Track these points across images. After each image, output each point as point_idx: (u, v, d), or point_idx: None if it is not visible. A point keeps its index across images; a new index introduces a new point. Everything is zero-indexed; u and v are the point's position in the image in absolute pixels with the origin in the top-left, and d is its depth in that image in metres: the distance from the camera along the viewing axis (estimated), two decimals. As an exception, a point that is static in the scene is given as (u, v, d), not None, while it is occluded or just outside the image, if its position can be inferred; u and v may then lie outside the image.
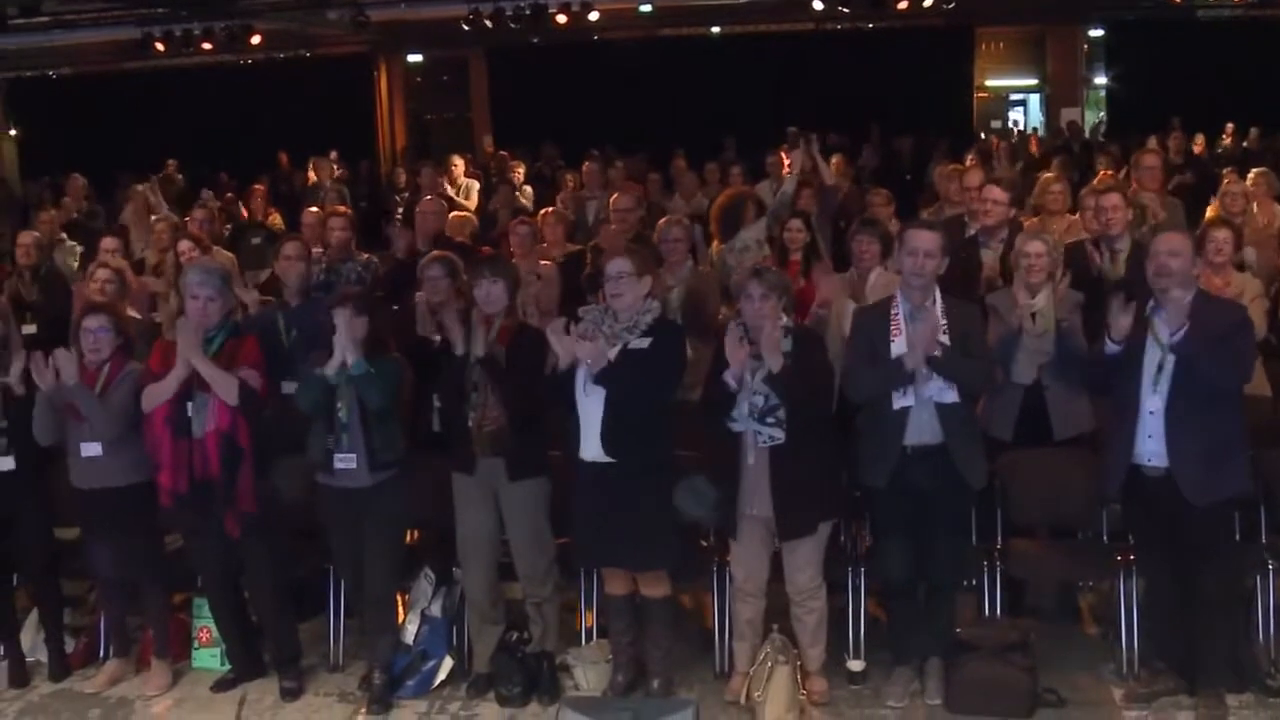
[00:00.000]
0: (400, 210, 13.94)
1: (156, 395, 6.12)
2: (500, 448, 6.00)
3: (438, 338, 6.29)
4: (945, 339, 5.76)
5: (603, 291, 6.00)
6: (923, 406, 5.80)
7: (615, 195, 9.30)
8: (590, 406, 5.81)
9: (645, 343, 5.83)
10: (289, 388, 6.32)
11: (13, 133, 23.19)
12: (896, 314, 5.90)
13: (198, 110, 20.23)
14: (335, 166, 15.99)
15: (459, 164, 14.21)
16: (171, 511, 6.23)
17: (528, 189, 13.88)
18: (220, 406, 6.04)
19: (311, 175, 15.23)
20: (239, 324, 6.43)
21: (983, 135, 19.19)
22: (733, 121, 17.49)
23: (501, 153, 16.96)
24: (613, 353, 5.79)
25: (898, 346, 5.80)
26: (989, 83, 22.62)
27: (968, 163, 11.95)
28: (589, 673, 6.29)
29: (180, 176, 16.05)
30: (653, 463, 5.83)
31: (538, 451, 6.13)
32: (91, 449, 6.28)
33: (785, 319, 5.86)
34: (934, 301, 5.86)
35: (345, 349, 5.94)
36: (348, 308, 6.01)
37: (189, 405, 6.07)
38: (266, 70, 21.31)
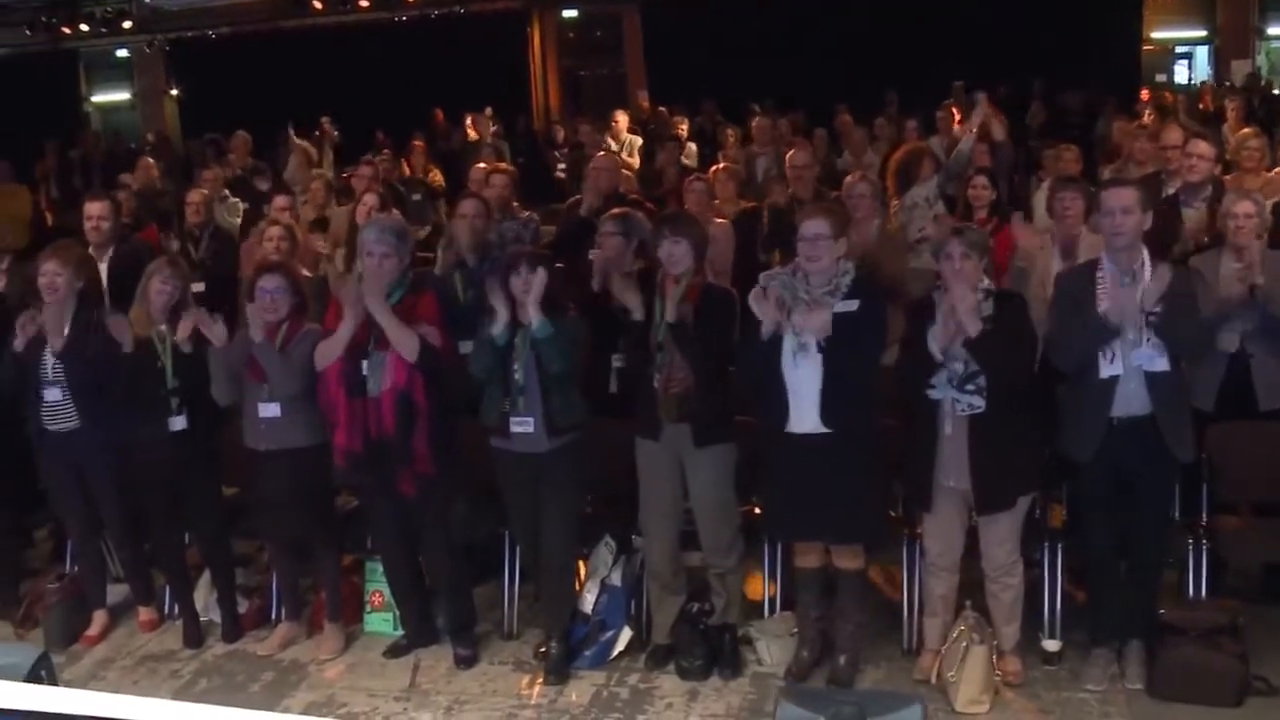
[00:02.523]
0: (560, 167, 13.83)
1: (329, 351, 5.99)
2: (687, 413, 5.76)
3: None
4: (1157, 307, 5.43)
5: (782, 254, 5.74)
6: (1131, 375, 5.46)
7: (791, 152, 8.99)
8: (801, 377, 5.50)
9: (853, 306, 5.51)
10: (466, 348, 6.14)
11: (174, 92, 23.56)
12: (1103, 276, 5.56)
13: (353, 68, 20.26)
14: (492, 123, 15.87)
15: (621, 120, 14.01)
16: (347, 472, 6.13)
17: (692, 146, 13.63)
18: (397, 364, 5.88)
19: (471, 132, 15.15)
20: (418, 279, 6.26)
21: (1146, 89, 18.45)
22: (894, 75, 17.02)
23: (660, 109, 16.72)
24: (819, 317, 5.52)
25: (1105, 310, 5.47)
26: (1155, 35, 21.78)
27: (1147, 118, 11.50)
28: (772, 646, 6.06)
29: (336, 134, 16.04)
30: (863, 432, 5.55)
31: (725, 417, 5.88)
32: (270, 409, 6.19)
33: (986, 280, 5.55)
34: (1143, 264, 5.51)
35: (526, 309, 5.76)
36: (525, 266, 5.83)
37: (364, 364, 5.93)
38: (421, 27, 21.30)
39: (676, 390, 5.74)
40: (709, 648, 6.03)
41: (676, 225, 5.94)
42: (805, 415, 5.53)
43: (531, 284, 5.75)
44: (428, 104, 18.10)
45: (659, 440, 5.86)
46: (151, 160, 13.19)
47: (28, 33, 21.75)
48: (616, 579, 6.27)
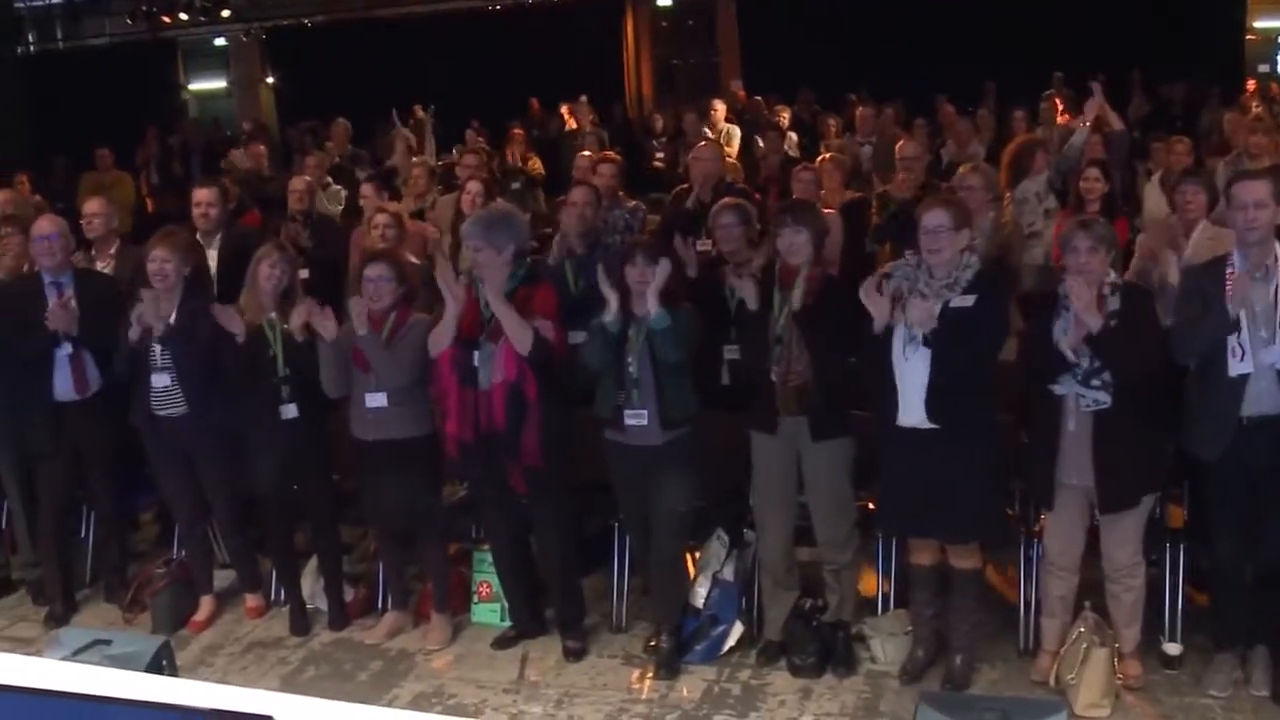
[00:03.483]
0: (659, 156, 13.76)
1: (440, 338, 5.96)
2: (805, 406, 5.66)
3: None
4: None
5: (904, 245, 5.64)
6: (1262, 374, 5.28)
7: (901, 142, 8.85)
8: (911, 370, 5.38)
9: (969, 300, 5.38)
10: (577, 338, 6.08)
11: (269, 80, 23.73)
12: (1232, 272, 5.39)
13: (447, 57, 20.29)
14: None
15: (719, 109, 13.91)
16: (457, 461, 6.08)
17: (792, 135, 13.50)
18: (509, 357, 5.83)
19: (570, 121, 15.09)
20: (534, 271, 6.20)
21: (1251, 79, 18.03)
22: (990, 65, 16.77)
23: (756, 98, 16.60)
24: (935, 310, 5.39)
25: (1234, 308, 5.30)
26: (1257, 24, 21.29)
27: (1254, 109, 11.25)
28: (887, 645, 5.95)
29: (433, 122, 16.06)
30: (976, 428, 5.41)
31: (843, 410, 5.78)
32: (377, 400, 6.17)
33: (1113, 274, 5.41)
34: (1275, 259, 5.34)
35: (644, 300, 5.69)
36: (643, 257, 5.75)
37: (475, 355, 5.88)
38: (515, 16, 21.29)
39: (796, 383, 5.64)
40: (822, 644, 5.93)
41: (799, 214, 5.85)
42: (913, 409, 5.42)
43: (651, 275, 5.68)
44: (522, 93, 18.07)
45: (775, 434, 5.76)
46: (262, 147, 13.25)
47: (129, 22, 21.99)
48: (728, 573, 6.18)
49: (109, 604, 7.13)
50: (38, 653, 6.29)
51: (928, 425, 5.38)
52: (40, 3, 22.54)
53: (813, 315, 5.64)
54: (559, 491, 6.09)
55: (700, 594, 6.17)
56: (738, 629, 6.14)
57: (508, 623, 6.50)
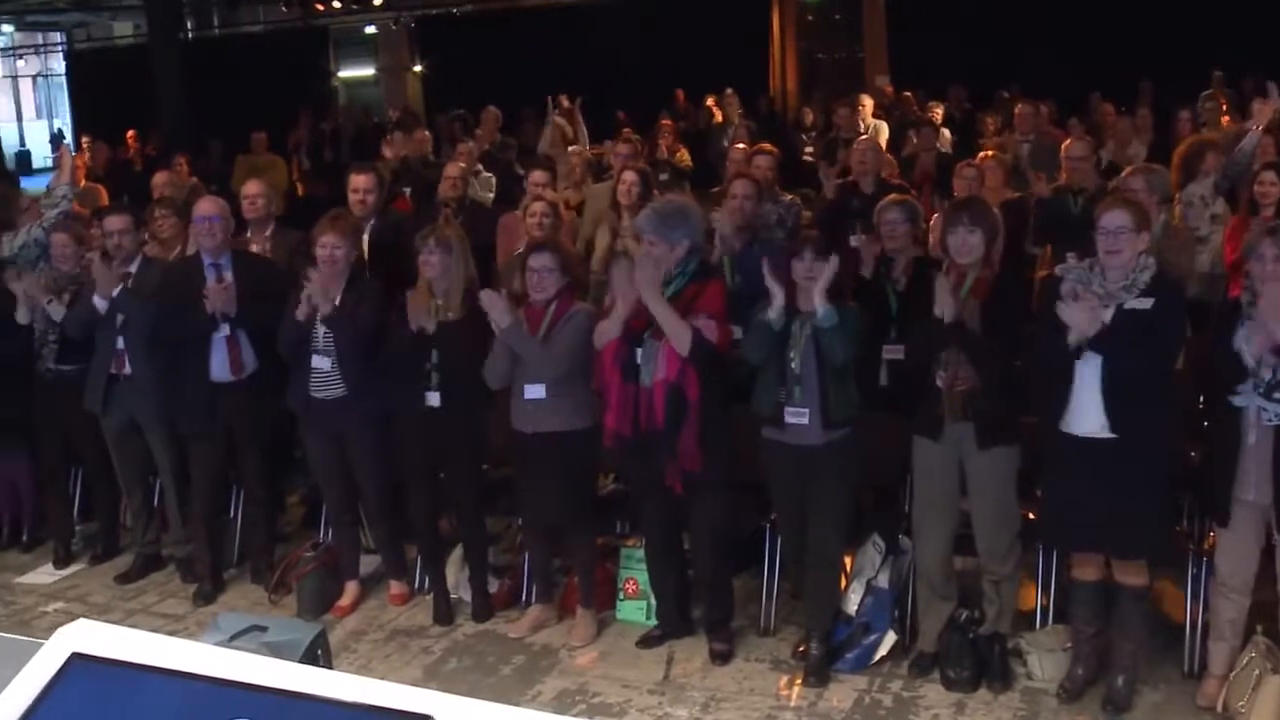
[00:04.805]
0: (808, 150, 13.59)
1: (604, 334, 5.88)
2: (971, 412, 5.48)
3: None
4: None
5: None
6: None
7: (1069, 141, 8.58)
8: (1084, 374, 5.18)
9: (1146, 303, 5.15)
10: (735, 333, 5.95)
11: (417, 68, 23.95)
12: None
13: (593, 47, 20.28)
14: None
15: (867, 104, 13.68)
16: (615, 454, 6.00)
17: (946, 132, 13.24)
18: (670, 356, 5.71)
19: (717, 113, 14.96)
20: (706, 266, 6.08)
21: None
22: (1145, 63, 16.30)
23: (906, 93, 16.34)
24: (1107, 314, 5.18)
25: None
26: None
27: None
28: (1044, 661, 5.74)
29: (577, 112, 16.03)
30: (1154, 437, 5.18)
31: (1010, 417, 5.57)
32: (535, 391, 6.09)
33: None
34: None
35: (811, 296, 5.53)
36: (812, 252, 5.60)
37: (638, 352, 5.78)
38: (662, 6, 21.24)
39: (961, 388, 5.46)
40: (977, 658, 5.74)
41: (975, 213, 5.65)
42: (1086, 416, 5.20)
43: (819, 271, 5.53)
44: (667, 84, 17.97)
45: (939, 439, 5.59)
46: (426, 133, 13.31)
47: (283, 9, 22.33)
48: (883, 580, 6.01)
49: (255, 585, 7.17)
50: (186, 629, 6.39)
51: (1103, 435, 5.17)
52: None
53: (980, 318, 5.45)
54: (716, 490, 5.95)
55: (853, 600, 6.01)
56: (890, 638, 5.97)
57: (653, 621, 6.39)
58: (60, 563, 7.63)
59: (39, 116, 31.67)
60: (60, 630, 2.46)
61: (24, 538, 7.94)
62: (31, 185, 11.61)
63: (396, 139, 12.56)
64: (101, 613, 6.98)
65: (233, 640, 3.53)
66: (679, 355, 5.70)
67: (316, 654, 3.59)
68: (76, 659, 2.53)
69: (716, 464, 5.84)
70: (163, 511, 7.42)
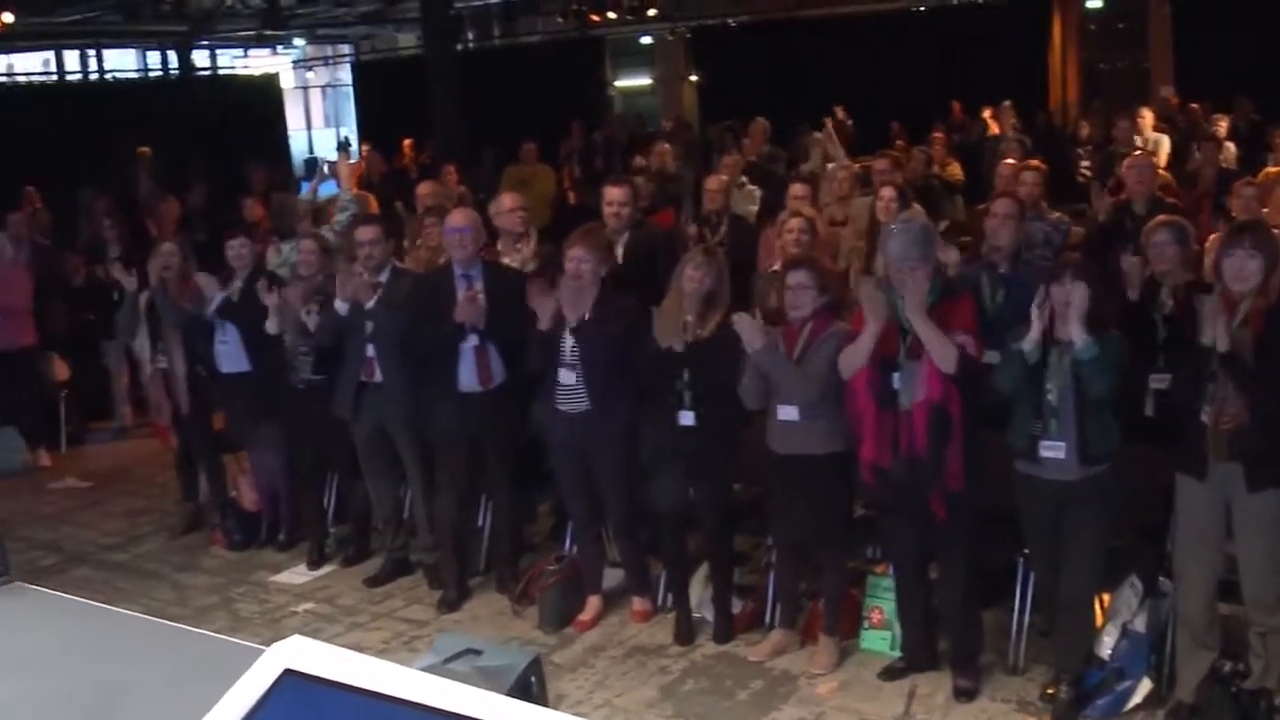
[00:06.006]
0: (1084, 165, 13.11)
1: (853, 359, 5.70)
2: (1239, 451, 5.11)
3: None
4: None
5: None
6: None
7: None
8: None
9: None
10: (991, 357, 5.71)
11: (693, 78, 24.06)
12: None
13: (869, 57, 20.03)
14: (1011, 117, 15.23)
15: (1147, 116, 13.12)
16: (871, 487, 5.83)
17: (1230, 146, 12.59)
18: (932, 375, 5.49)
19: (992, 125, 14.60)
20: (950, 284, 5.87)
21: None
22: None
23: (1191, 105, 15.63)
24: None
25: None
26: None
27: None
28: (1315, 722, 5.35)
29: (850, 123, 15.82)
30: None
31: (1283, 458, 5.20)
32: (788, 413, 5.96)
33: None
34: None
35: (1068, 324, 5.27)
36: (1070, 275, 5.33)
37: (895, 376, 5.59)
38: (939, 17, 20.86)
39: (1229, 426, 5.10)
40: (1241, 713, 5.34)
41: (1257, 237, 5.26)
42: None
43: (1076, 298, 5.26)
44: (943, 95, 17.62)
45: (1204, 479, 5.24)
46: (668, 146, 13.33)
47: (560, 20, 22.70)
48: (1140, 624, 5.68)
49: (500, 594, 7.20)
50: (428, 636, 6.45)
51: None
52: (479, 2, 23.51)
53: (1254, 350, 5.08)
54: (972, 518, 5.72)
55: (1107, 643, 5.69)
56: (1145, 685, 5.63)
57: (897, 652, 6.19)
58: (314, 564, 7.87)
59: (327, 125, 32.93)
60: (274, 645, 2.46)
61: (281, 538, 8.24)
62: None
63: (659, 150, 12.59)
64: (348, 614, 7.15)
65: (447, 663, 3.51)
66: (941, 374, 5.48)
67: (530, 681, 3.54)
68: (289, 675, 2.53)
69: (976, 486, 5.61)
70: (412, 518, 7.55)
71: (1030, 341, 5.37)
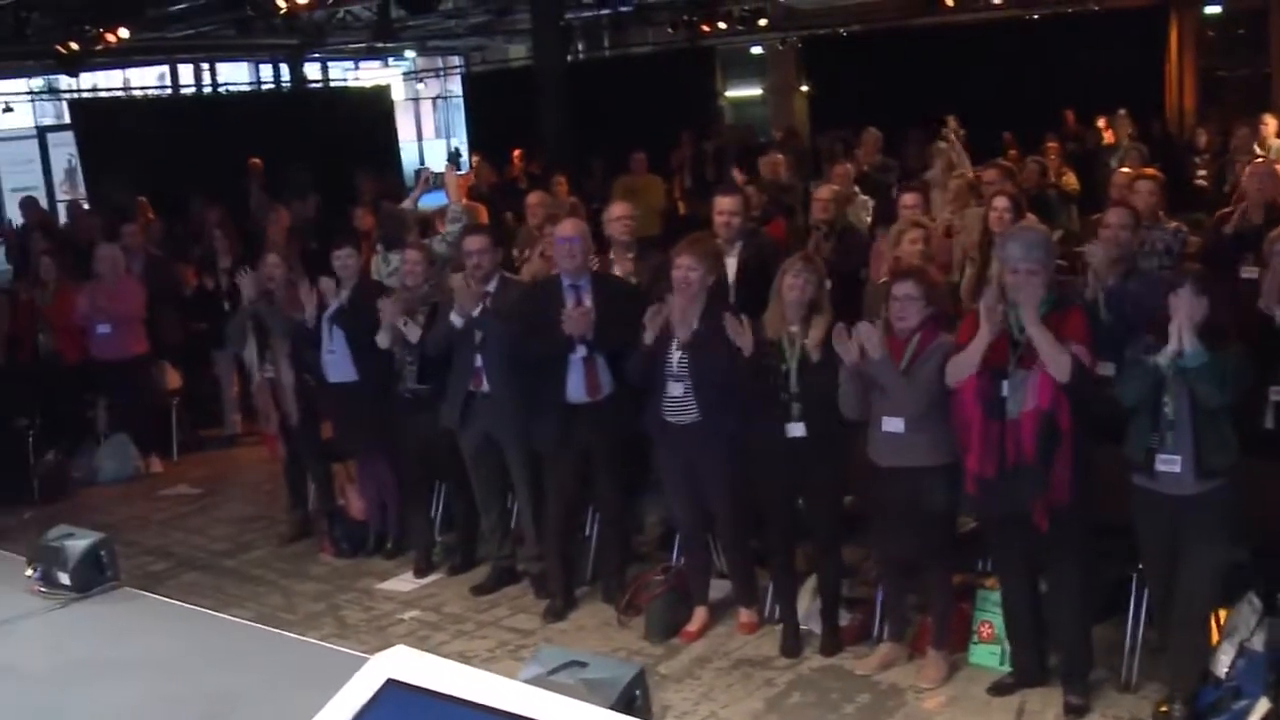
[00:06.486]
0: (1201, 174, 12.89)
1: (962, 368, 5.64)
2: (1363, 466, 5.00)
3: None
4: None
5: None
6: None
7: None
8: None
9: None
10: (1105, 369, 5.62)
11: (804, 88, 23.99)
12: None
13: (982, 66, 19.81)
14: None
15: (1270, 124, 12.86)
16: (975, 498, 5.75)
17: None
18: (1043, 384, 5.42)
19: (1108, 134, 14.38)
20: (1063, 294, 5.79)
21: None
22: None
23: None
24: None
25: None
26: None
27: None
28: None
29: (963, 133, 15.66)
30: None
31: None
32: (893, 424, 5.92)
33: None
34: None
35: (1181, 335, 5.18)
36: (1191, 285, 5.23)
37: (1004, 384, 5.52)
38: (1053, 25, 20.59)
39: (1351, 440, 4.99)
40: (1362, 734, 5.23)
41: None
42: None
43: (1191, 308, 5.17)
44: (1056, 104, 17.37)
45: (1324, 494, 5.12)
46: (780, 156, 13.29)
47: (670, 31, 22.74)
48: (1258, 643, 5.53)
49: (606, 604, 7.21)
50: (533, 645, 6.47)
51: None
52: (589, 13, 23.61)
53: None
54: (1082, 531, 5.64)
55: (1223, 662, 5.56)
56: (1263, 705, 5.47)
57: (1007, 667, 6.11)
58: (420, 572, 7.93)
59: (437, 136, 33.30)
60: (377, 655, 2.49)
61: (388, 546, 8.30)
62: (426, 201, 12.14)
63: (771, 160, 12.54)
64: (454, 622, 7.20)
65: (551, 674, 3.52)
66: (1052, 383, 5.41)
67: (634, 694, 3.55)
68: (391, 685, 2.56)
69: (1085, 499, 5.53)
70: (518, 526, 7.59)
71: (1166, 354, 5.28)
